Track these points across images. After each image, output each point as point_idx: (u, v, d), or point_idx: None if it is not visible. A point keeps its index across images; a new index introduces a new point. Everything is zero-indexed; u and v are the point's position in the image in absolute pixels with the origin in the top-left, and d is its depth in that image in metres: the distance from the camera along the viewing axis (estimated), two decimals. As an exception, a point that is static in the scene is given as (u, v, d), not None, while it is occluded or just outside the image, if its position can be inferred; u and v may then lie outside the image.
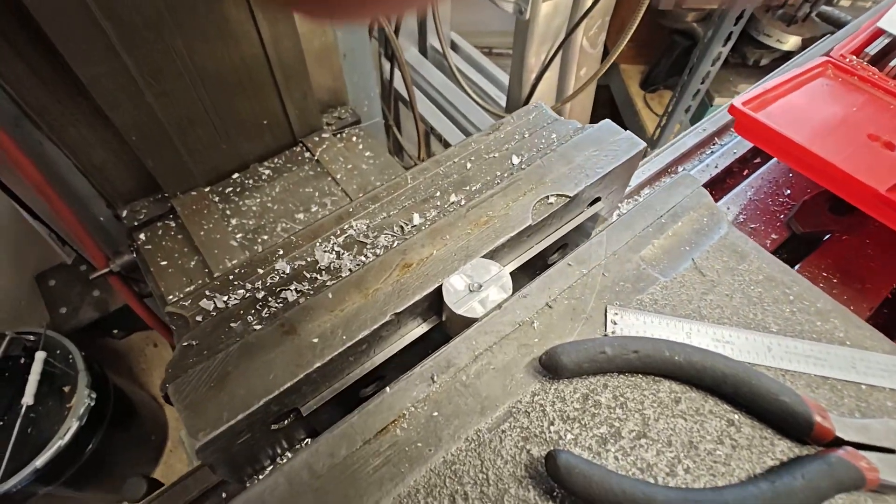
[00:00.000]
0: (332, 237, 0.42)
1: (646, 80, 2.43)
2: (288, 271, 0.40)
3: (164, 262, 1.10)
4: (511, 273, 0.41)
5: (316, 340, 0.35)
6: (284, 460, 0.38)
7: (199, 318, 0.38)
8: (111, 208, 1.17)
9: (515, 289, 0.39)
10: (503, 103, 1.70)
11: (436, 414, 0.33)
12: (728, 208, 0.80)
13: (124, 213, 1.14)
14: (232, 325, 0.37)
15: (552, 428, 0.33)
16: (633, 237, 0.41)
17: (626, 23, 1.32)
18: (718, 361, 0.33)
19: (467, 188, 0.45)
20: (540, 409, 0.33)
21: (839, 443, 0.31)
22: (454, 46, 2.02)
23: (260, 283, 0.40)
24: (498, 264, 0.39)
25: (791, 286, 0.39)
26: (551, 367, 0.33)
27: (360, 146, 1.30)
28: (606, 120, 0.50)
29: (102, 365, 1.82)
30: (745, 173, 0.89)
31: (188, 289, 0.97)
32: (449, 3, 1.96)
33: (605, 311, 0.37)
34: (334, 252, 0.41)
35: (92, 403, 1.65)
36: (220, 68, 0.94)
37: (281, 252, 0.41)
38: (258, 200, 1.16)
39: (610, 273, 0.39)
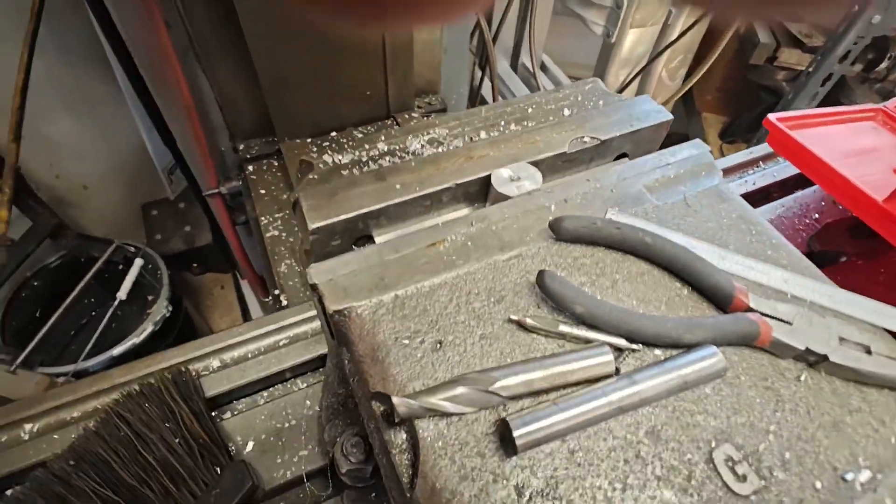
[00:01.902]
0: (420, 135, 0.58)
1: (725, 130, 2.48)
2: (386, 149, 0.56)
3: (263, 191, 1.31)
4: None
5: (398, 187, 0.51)
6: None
7: (320, 165, 0.55)
8: (232, 141, 1.41)
9: (544, 192, 0.53)
10: (578, 121, 1.83)
11: (469, 244, 0.48)
12: (755, 219, 0.89)
13: (241, 147, 1.38)
14: (343, 172, 0.54)
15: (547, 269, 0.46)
16: (643, 171, 0.54)
17: (715, 66, 1.41)
18: (676, 247, 0.45)
19: (525, 123, 0.60)
20: (542, 257, 0.47)
21: (752, 312, 0.42)
22: (543, 67, 2.19)
23: (364, 152, 0.56)
24: (535, 168, 0.53)
25: (757, 226, 0.51)
26: (555, 228, 0.47)
27: (443, 131, 1.47)
28: (645, 95, 0.63)
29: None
30: (784, 196, 0.98)
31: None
32: (546, 28, 2.15)
33: (607, 211, 0.51)
34: (420, 143, 0.57)
35: (167, 315, 1.90)
36: (347, 42, 1.15)
37: (383, 137, 0.58)
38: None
39: (616, 190, 0.53)
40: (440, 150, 0.56)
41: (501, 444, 0.36)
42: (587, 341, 0.41)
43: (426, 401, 0.36)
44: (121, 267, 2.03)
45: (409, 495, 0.36)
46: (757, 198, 0.96)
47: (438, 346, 0.42)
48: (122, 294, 1.90)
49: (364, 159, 0.55)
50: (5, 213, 1.62)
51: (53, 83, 1.84)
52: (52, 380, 1.83)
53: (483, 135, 0.58)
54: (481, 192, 0.54)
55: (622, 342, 0.41)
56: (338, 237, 0.50)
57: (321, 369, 0.72)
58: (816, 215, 0.91)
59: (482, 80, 2.10)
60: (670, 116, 0.60)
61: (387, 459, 0.39)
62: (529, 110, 0.62)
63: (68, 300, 1.81)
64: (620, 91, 1.46)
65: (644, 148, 0.62)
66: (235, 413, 0.68)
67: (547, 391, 0.38)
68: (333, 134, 1.36)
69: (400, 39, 1.25)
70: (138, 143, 2.20)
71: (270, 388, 0.70)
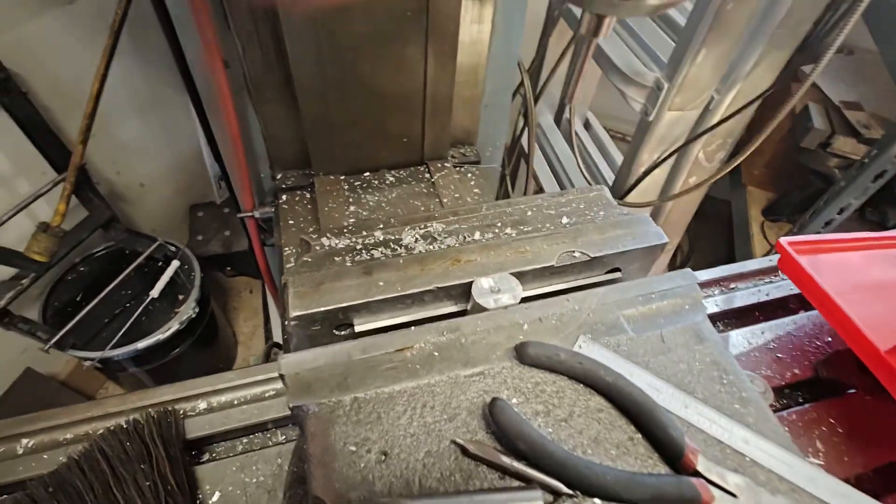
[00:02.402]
0: (417, 227, 0.61)
1: (769, 207, 2.41)
2: (381, 238, 0.59)
3: (291, 221, 1.37)
4: (532, 297, 0.56)
5: (382, 284, 0.53)
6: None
7: (317, 248, 0.58)
8: (271, 170, 1.49)
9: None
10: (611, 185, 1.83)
11: (436, 354, 0.49)
12: (763, 332, 0.87)
13: (278, 176, 1.45)
14: (335, 258, 0.57)
15: (506, 392, 0.47)
16: (624, 299, 0.55)
17: (764, 149, 1.37)
18: (635, 390, 0.45)
19: (521, 227, 0.62)
20: (503, 378, 0.48)
21: (698, 475, 0.42)
22: (587, 125, 2.20)
23: (361, 239, 0.59)
24: (517, 281, 0.55)
25: (729, 374, 0.50)
26: (520, 353, 0.48)
27: (472, 182, 1.50)
28: (644, 215, 0.64)
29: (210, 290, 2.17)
30: (799, 312, 0.94)
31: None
32: (594, 87, 2.16)
33: (578, 337, 0.51)
34: (414, 237, 0.59)
35: (193, 315, 1.98)
36: (389, 92, 1.20)
37: (381, 226, 0.61)
38: (376, 198, 1.40)
39: (594, 315, 0.53)
40: (433, 246, 0.59)
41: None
42: (526, 479, 0.42)
43: (352, 524, 0.38)
44: (160, 264, 2.15)
45: None
46: (770, 309, 0.93)
47: (383, 457, 0.43)
48: (154, 293, 2.01)
49: (358, 247, 0.58)
50: (63, 207, 1.75)
51: (127, 86, 1.98)
52: (79, 362, 1.94)
53: (477, 235, 0.60)
54: (464, 294, 0.56)
55: (560, 486, 0.41)
56: (318, 324, 0.53)
57: (302, 424, 0.74)
58: (829, 338, 0.87)
59: (523, 130, 2.12)
60: (666, 240, 0.60)
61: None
62: (529, 213, 0.64)
63: (107, 289, 1.92)
64: (655, 167, 1.45)
65: (636, 266, 0.62)
66: (213, 455, 0.71)
67: (473, 529, 0.39)
68: (367, 174, 1.42)
69: (441, 94, 1.29)
70: (196, 148, 2.33)
71: (251, 436, 0.74)
